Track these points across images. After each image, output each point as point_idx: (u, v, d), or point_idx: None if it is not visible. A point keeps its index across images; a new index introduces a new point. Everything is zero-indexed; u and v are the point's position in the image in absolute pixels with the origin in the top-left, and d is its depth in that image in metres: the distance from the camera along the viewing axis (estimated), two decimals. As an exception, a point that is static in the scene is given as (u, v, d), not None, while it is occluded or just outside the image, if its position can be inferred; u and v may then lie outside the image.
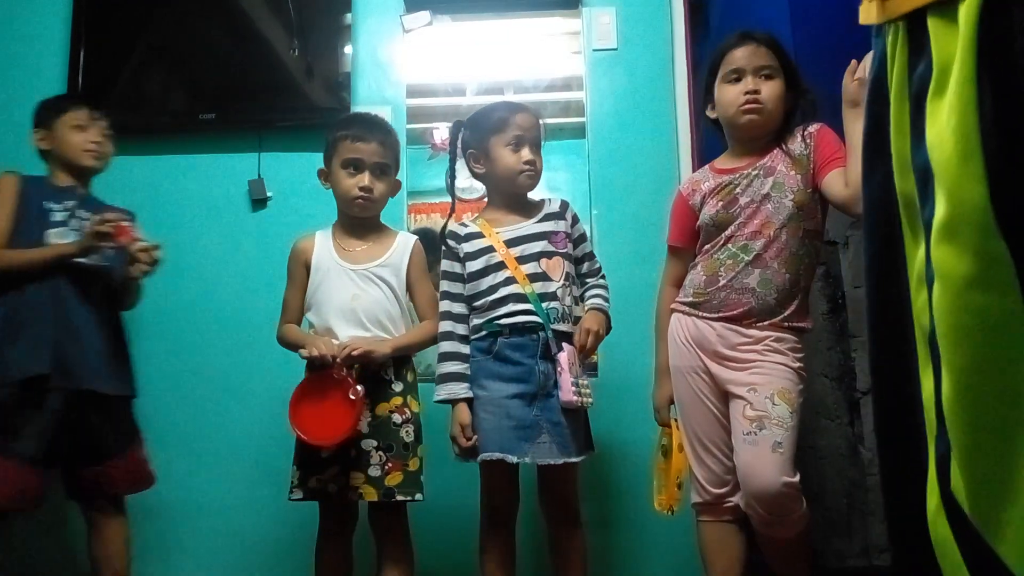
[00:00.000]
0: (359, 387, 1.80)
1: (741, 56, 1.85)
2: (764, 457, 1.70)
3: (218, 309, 2.48)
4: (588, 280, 1.99)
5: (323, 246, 1.98)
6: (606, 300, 1.96)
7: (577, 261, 1.98)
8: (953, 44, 0.70)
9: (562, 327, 1.87)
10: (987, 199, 0.68)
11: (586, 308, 1.94)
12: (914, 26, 0.76)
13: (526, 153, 1.90)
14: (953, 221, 0.70)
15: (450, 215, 2.02)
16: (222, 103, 2.54)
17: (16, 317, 1.94)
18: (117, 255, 2.01)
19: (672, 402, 1.94)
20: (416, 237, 2.06)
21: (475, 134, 1.97)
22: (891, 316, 0.84)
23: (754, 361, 1.79)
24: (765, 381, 1.76)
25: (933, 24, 0.73)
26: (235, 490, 2.39)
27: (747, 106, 1.83)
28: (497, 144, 1.91)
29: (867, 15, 0.84)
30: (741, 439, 1.74)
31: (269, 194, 2.52)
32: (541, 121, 1.97)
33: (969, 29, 0.68)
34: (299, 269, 1.98)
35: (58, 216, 2.04)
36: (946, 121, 0.70)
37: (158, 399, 2.43)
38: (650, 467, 2.01)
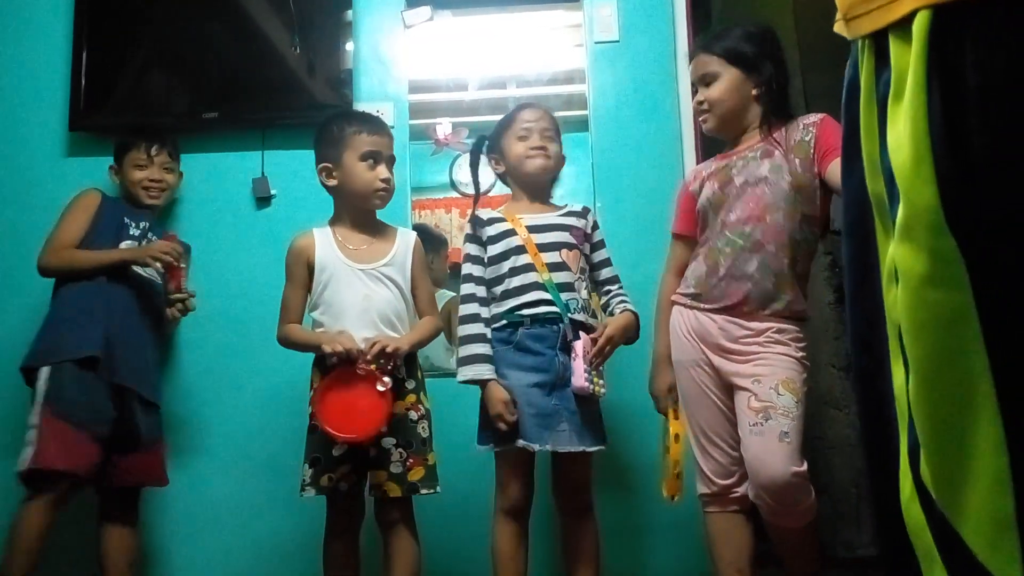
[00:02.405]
0: (386, 378, 1.80)
1: (691, 71, 1.98)
2: (772, 447, 1.70)
3: (224, 308, 2.47)
4: (611, 288, 2.04)
5: (325, 244, 1.97)
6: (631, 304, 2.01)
7: (595, 267, 2.03)
8: (908, 56, 0.75)
9: (579, 317, 1.92)
10: (937, 200, 0.73)
11: (618, 311, 1.98)
12: (879, 38, 0.81)
13: (534, 140, 1.99)
14: (909, 221, 0.75)
15: (474, 205, 2.11)
16: (224, 102, 2.54)
17: (72, 308, 2.12)
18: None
19: (671, 390, 1.94)
20: (415, 234, 2.08)
21: (492, 138, 2.08)
22: (867, 312, 0.87)
23: (757, 353, 1.79)
24: (769, 372, 1.76)
25: (892, 39, 0.77)
26: (243, 488, 2.39)
27: (699, 117, 1.98)
28: (508, 140, 2.03)
29: (840, 29, 0.90)
30: (748, 430, 1.75)
31: (273, 192, 2.52)
32: (551, 113, 2.06)
33: (921, 42, 0.73)
34: (300, 268, 1.96)
35: (134, 231, 2.24)
36: (902, 126, 0.76)
37: (165, 398, 2.44)
38: (657, 457, 2.01)
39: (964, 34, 0.72)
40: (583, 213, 2.04)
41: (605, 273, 2.05)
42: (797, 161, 1.82)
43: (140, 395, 2.14)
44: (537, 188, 2.05)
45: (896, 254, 0.78)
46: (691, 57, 2.01)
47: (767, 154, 1.85)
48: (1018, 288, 0.72)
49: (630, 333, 1.96)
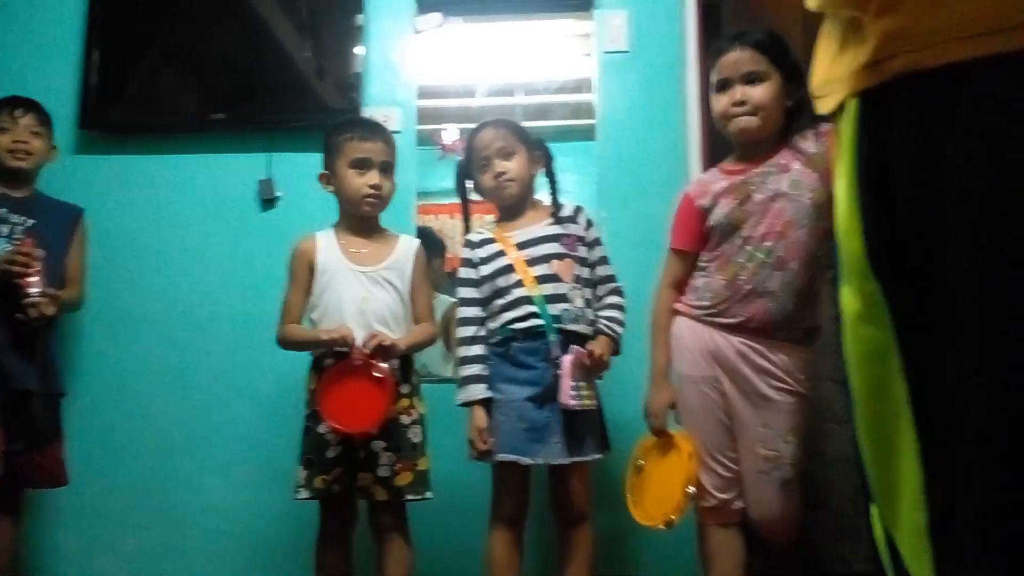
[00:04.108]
0: (383, 365, 1.82)
1: (727, 64, 1.82)
2: (776, 496, 1.77)
3: (227, 309, 2.49)
4: (601, 290, 2.02)
5: (328, 248, 1.99)
6: (618, 323, 1.97)
7: (591, 266, 2.01)
8: (846, 126, 0.89)
9: (574, 327, 1.91)
10: (863, 248, 0.85)
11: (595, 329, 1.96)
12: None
13: (496, 166, 1.97)
14: (845, 267, 0.88)
15: (465, 227, 2.10)
16: (233, 103, 2.56)
17: None
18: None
19: (672, 407, 1.91)
20: (419, 241, 2.10)
21: (465, 170, 2.06)
22: None
23: (770, 395, 1.78)
24: (779, 420, 1.77)
25: (841, 115, 0.91)
26: (239, 490, 2.40)
27: (734, 117, 1.81)
28: (476, 171, 2.02)
29: None
30: (754, 475, 1.78)
31: (279, 194, 2.53)
32: (504, 123, 2.03)
33: (852, 117, 0.87)
34: (303, 270, 1.99)
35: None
36: (841, 181, 0.89)
37: (165, 398, 2.46)
38: (624, 481, 1.95)
39: (887, 109, 0.83)
40: (574, 216, 2.01)
41: (600, 272, 2.02)
42: (816, 176, 1.76)
43: (30, 391, 2.10)
44: (519, 204, 2.03)
45: (840, 295, 0.90)
46: (721, 51, 1.85)
47: (784, 169, 1.80)
48: (929, 326, 0.80)
49: (613, 353, 1.95)
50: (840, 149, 0.90)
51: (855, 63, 0.85)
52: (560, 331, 1.89)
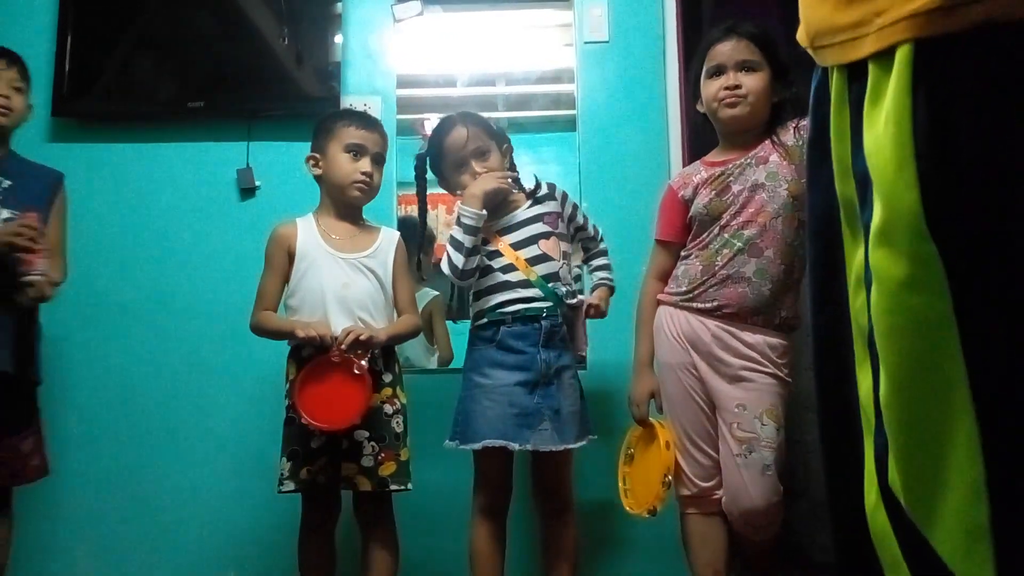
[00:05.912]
0: (362, 362, 1.80)
1: (723, 51, 1.87)
2: (755, 480, 1.75)
3: (206, 299, 2.46)
4: (591, 246, 2.11)
5: (307, 233, 1.97)
6: (610, 270, 2.10)
7: (577, 228, 2.07)
8: (887, 68, 0.75)
9: (573, 302, 1.97)
10: (919, 205, 0.72)
11: (594, 284, 2.08)
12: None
13: (476, 167, 1.95)
14: (889, 225, 0.75)
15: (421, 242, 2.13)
16: (211, 91, 2.52)
17: None
18: None
19: (653, 396, 1.94)
20: (399, 234, 2.08)
21: (441, 174, 2.03)
22: (833, 317, 0.87)
23: (745, 375, 1.79)
24: (754, 400, 1.78)
25: (871, 62, 0.78)
26: (222, 481, 2.38)
27: (727, 101, 1.84)
28: (453, 173, 1.99)
29: (802, 41, 0.90)
30: (731, 459, 1.78)
31: (257, 183, 2.51)
32: (473, 120, 2.00)
33: (903, 65, 0.74)
34: (281, 255, 1.95)
35: None
36: (883, 129, 0.75)
37: (144, 389, 2.43)
38: (617, 469, 1.99)
39: (954, 59, 0.73)
40: (551, 193, 2.02)
41: (588, 231, 2.10)
42: (793, 168, 1.80)
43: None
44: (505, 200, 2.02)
45: (873, 258, 0.77)
46: (715, 39, 1.89)
47: (762, 160, 1.84)
48: (998, 297, 0.71)
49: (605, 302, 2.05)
50: (875, 84, 0.77)
51: (909, 7, 0.73)
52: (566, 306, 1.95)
